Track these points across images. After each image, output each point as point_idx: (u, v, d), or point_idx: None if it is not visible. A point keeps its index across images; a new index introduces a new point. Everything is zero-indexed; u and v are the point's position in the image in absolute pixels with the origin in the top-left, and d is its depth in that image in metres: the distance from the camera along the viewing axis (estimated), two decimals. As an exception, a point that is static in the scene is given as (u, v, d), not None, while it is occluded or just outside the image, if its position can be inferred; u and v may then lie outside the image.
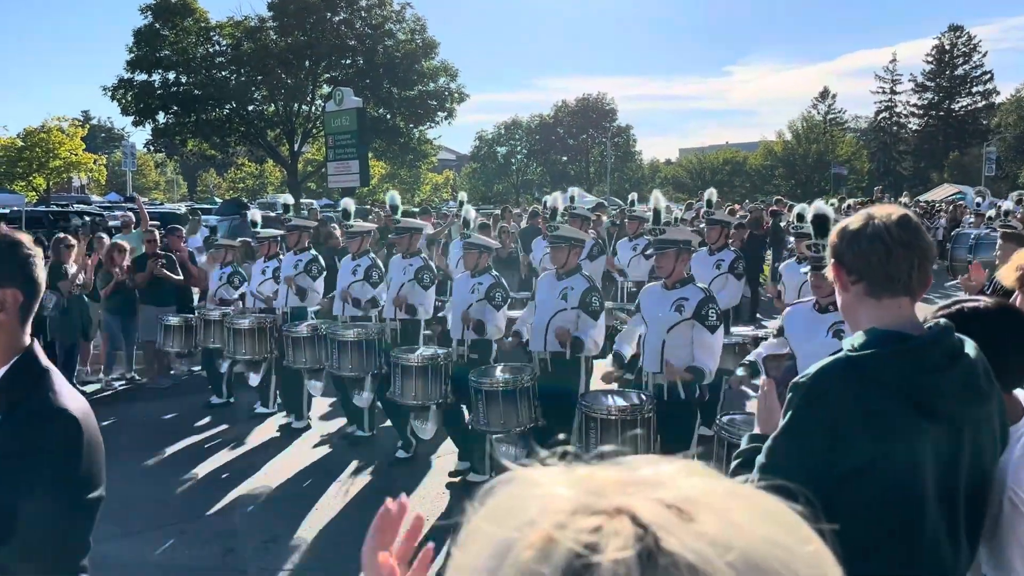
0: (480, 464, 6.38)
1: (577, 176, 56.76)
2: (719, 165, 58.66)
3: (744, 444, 2.08)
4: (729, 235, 8.38)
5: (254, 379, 8.30)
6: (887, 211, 1.91)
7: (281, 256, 8.44)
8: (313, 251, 8.29)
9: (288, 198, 8.68)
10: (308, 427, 7.96)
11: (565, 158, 59.97)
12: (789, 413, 1.81)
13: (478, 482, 6.06)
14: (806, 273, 8.32)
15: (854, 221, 1.92)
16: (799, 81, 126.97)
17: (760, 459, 1.85)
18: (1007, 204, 16.69)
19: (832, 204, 18.61)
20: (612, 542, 0.48)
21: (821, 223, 5.07)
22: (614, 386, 5.56)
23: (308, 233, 8.52)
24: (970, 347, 1.82)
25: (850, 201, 22.10)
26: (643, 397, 5.18)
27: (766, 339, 7.49)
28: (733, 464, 2.08)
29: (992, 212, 16.16)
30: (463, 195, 8.34)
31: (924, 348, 1.78)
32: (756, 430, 2.12)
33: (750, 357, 4.75)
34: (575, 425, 5.23)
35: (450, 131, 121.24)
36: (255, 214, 9.85)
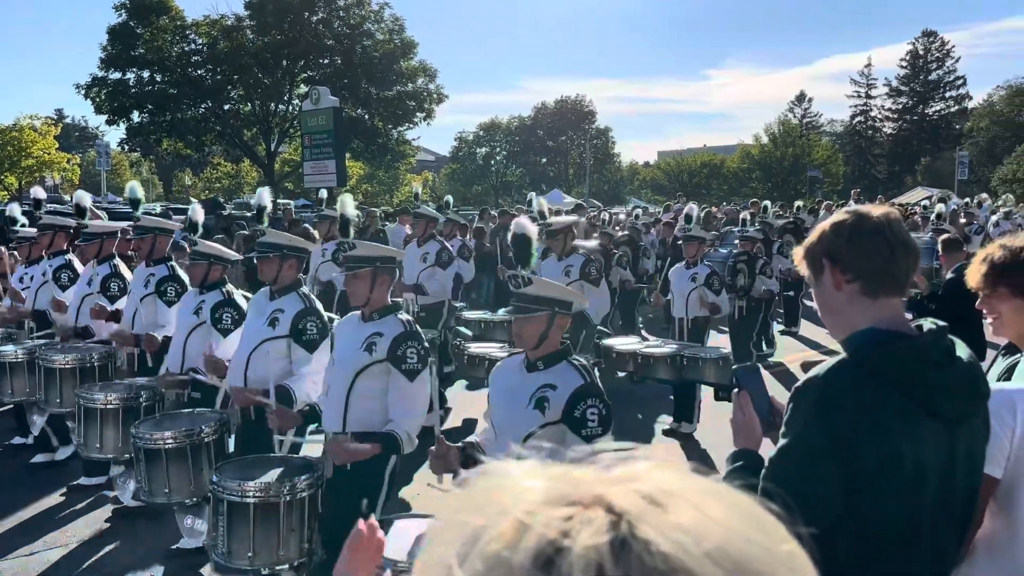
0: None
1: (556, 178, 56.82)
2: (697, 168, 58.95)
3: (729, 464, 2.00)
4: (573, 238, 7.76)
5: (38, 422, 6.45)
6: (880, 210, 1.91)
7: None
8: (113, 263, 6.47)
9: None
10: (53, 460, 6.62)
11: (544, 160, 60.02)
12: (799, 420, 1.77)
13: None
14: (693, 280, 7.75)
15: (848, 217, 1.88)
16: (776, 85, 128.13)
17: (768, 471, 1.79)
18: (939, 207, 16.87)
19: (802, 206, 18.65)
20: (585, 529, 0.48)
21: (522, 245, 4.19)
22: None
23: (66, 235, 7.07)
24: (961, 348, 1.84)
25: (827, 203, 22.28)
26: (304, 469, 3.70)
27: (652, 353, 7.10)
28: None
29: (934, 216, 16.31)
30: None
31: (928, 347, 1.78)
32: (736, 446, 2.05)
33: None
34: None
35: (429, 132, 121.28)
36: (13, 209, 8.72)
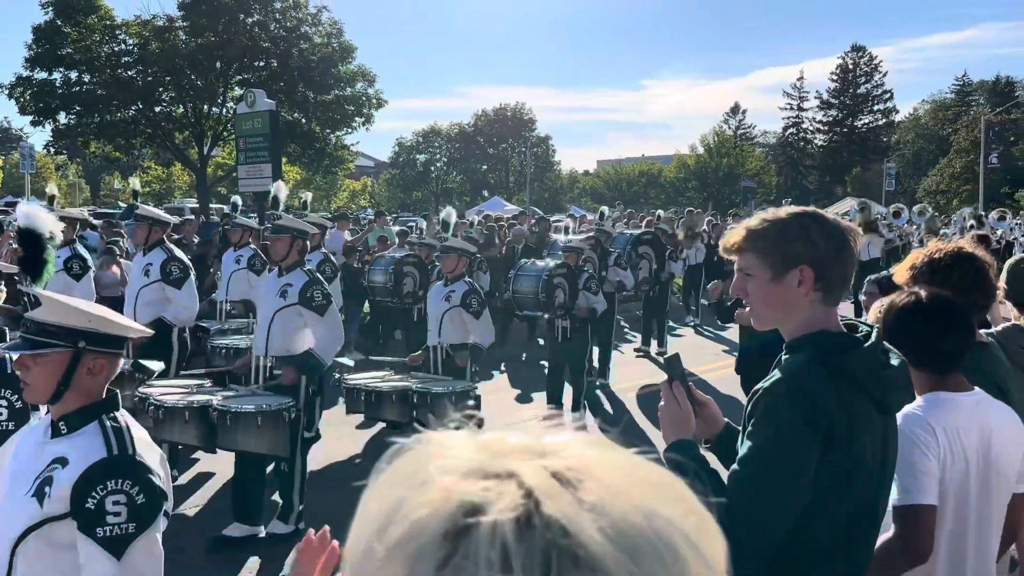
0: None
1: (497, 185, 56.88)
2: (635, 177, 59.78)
3: (671, 454, 1.94)
4: (304, 248, 5.68)
5: None
6: (844, 221, 1.97)
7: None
8: None
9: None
10: None
11: (485, 167, 60.03)
12: (776, 419, 1.78)
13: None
14: (448, 299, 6.31)
15: (833, 229, 1.87)
16: (712, 96, 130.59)
17: (745, 471, 1.78)
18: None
19: (662, 215, 18.32)
20: (497, 504, 0.51)
21: (31, 245, 3.13)
22: None
23: None
24: (891, 348, 1.95)
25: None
26: None
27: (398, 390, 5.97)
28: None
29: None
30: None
31: (875, 347, 1.86)
32: (667, 439, 1.99)
33: None
34: None
35: (369, 137, 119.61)
36: None
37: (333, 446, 7.17)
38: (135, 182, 7.85)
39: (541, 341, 11.73)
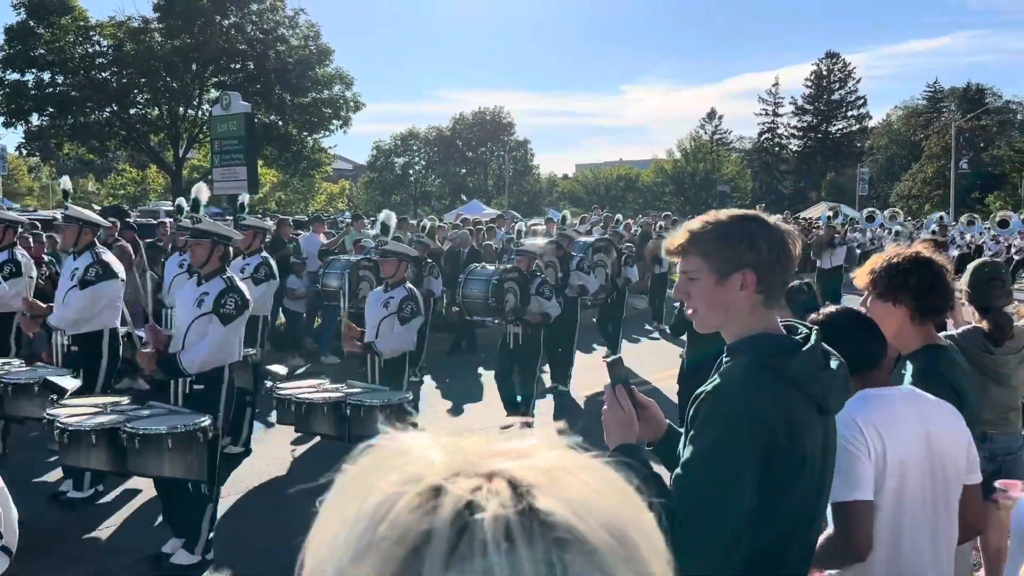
0: None
1: (476, 189, 56.89)
2: (613, 181, 60.07)
3: (618, 458, 1.94)
4: (227, 254, 5.31)
5: None
6: (785, 224, 1.98)
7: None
8: None
9: None
10: None
11: (464, 170, 60.01)
12: (719, 422, 1.78)
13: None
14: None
15: (778, 235, 1.89)
16: (689, 101, 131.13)
17: (689, 477, 1.77)
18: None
19: (620, 219, 18.27)
20: (493, 500, 0.52)
21: None
22: None
23: None
24: (831, 350, 1.95)
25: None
26: None
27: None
28: None
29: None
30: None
31: (814, 350, 1.87)
32: (610, 443, 1.95)
33: None
34: None
35: (347, 141, 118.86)
36: None
37: (265, 458, 6.98)
38: (66, 180, 7.51)
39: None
